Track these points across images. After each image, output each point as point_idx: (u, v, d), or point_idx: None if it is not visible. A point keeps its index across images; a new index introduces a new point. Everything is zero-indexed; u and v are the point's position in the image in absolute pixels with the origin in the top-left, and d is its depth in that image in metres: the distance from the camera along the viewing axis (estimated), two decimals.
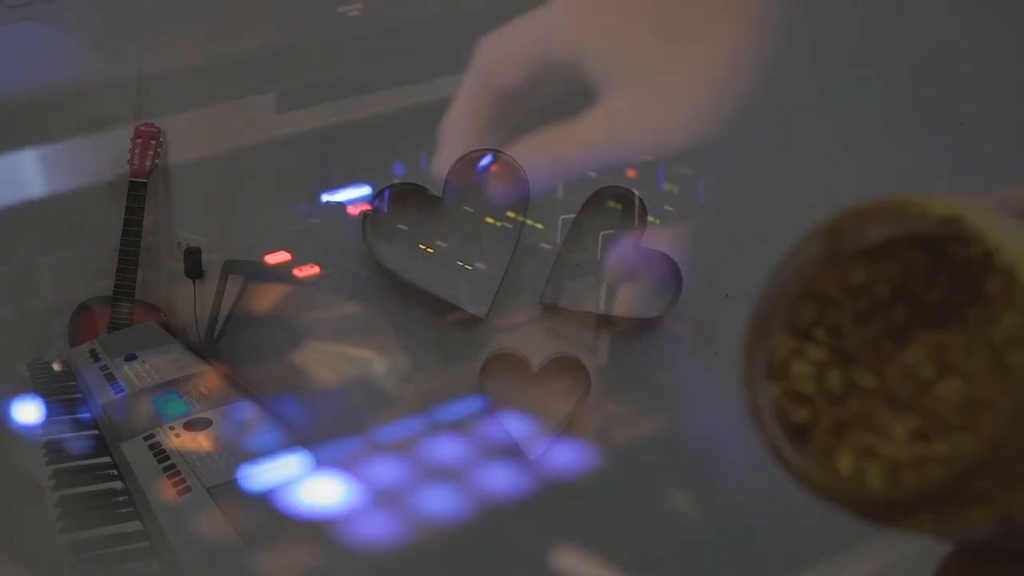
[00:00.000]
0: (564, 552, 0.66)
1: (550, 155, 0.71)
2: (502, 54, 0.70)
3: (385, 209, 0.80)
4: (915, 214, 0.15)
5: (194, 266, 1.18)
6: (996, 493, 0.14)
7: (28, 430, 0.84)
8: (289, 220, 1.00)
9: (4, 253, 1.29)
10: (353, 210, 0.81)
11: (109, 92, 1.26)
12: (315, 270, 0.89)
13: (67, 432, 0.84)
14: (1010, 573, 0.17)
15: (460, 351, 0.78)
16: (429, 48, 0.82)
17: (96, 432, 0.83)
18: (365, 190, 0.81)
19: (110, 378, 0.96)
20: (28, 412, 0.89)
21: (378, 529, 0.64)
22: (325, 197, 0.84)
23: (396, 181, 0.80)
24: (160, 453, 0.74)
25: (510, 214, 0.76)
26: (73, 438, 0.82)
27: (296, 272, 0.95)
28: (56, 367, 1.02)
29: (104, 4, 1.27)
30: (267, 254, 1.03)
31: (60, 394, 0.94)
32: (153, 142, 1.20)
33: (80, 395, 0.94)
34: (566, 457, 0.69)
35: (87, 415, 0.88)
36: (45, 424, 0.85)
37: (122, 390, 0.92)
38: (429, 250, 0.79)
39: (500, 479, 0.70)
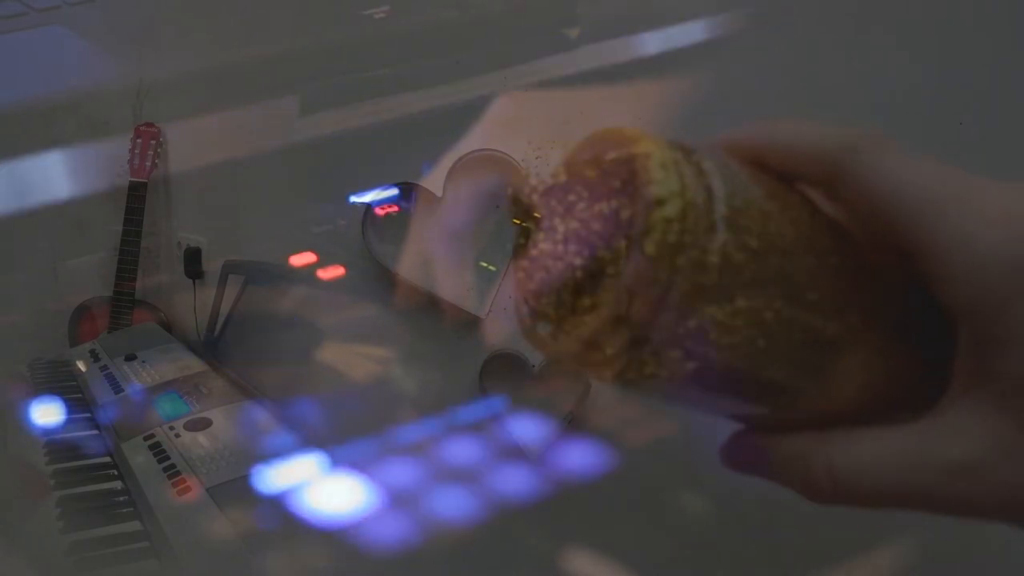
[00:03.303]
0: (564, 553, 0.66)
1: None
2: None
3: (410, 209, 0.80)
4: (619, 142, 0.19)
5: (194, 266, 1.18)
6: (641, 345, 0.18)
7: (28, 430, 0.84)
8: (289, 220, 1.00)
9: (5, 254, 1.29)
10: (380, 211, 0.81)
11: (111, 94, 1.26)
12: (340, 271, 0.89)
13: (67, 432, 0.84)
14: (768, 438, 0.21)
15: (460, 351, 0.78)
16: (429, 53, 0.82)
17: (96, 432, 0.84)
18: (392, 191, 0.81)
19: (110, 378, 0.96)
20: (29, 412, 0.89)
21: (377, 530, 0.64)
22: (353, 198, 0.84)
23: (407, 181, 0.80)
24: (160, 453, 0.74)
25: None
26: (73, 438, 0.82)
27: (297, 270, 0.95)
28: (82, 367, 1.02)
29: (111, 9, 1.27)
30: (266, 254, 1.03)
31: (60, 394, 0.94)
32: (153, 142, 1.20)
33: (80, 395, 0.94)
34: (566, 457, 0.69)
35: (87, 415, 0.88)
36: (45, 425, 0.85)
37: (122, 390, 0.92)
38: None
39: (499, 480, 0.70)
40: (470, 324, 0.77)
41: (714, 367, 0.18)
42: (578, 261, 0.19)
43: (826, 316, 0.20)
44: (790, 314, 0.19)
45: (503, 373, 0.74)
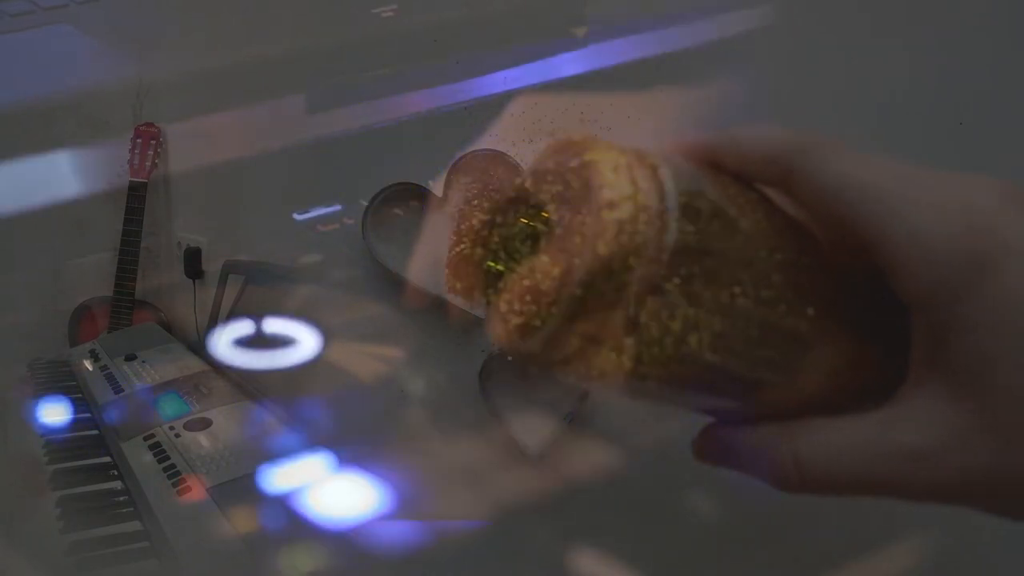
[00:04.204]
0: (568, 553, 0.66)
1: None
2: None
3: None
4: (577, 149, 0.20)
5: (194, 266, 1.18)
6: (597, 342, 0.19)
7: (28, 430, 0.84)
8: (290, 220, 1.00)
9: (5, 254, 1.29)
10: (387, 211, 0.81)
11: (111, 94, 1.26)
12: (344, 271, 0.89)
13: (67, 432, 0.84)
14: (736, 431, 0.22)
15: (460, 351, 0.78)
16: (435, 53, 0.82)
17: (96, 432, 0.84)
18: (403, 191, 0.81)
19: (110, 378, 0.96)
20: (29, 412, 0.89)
21: (377, 531, 0.64)
22: (361, 199, 0.84)
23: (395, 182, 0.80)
24: (160, 453, 0.74)
25: None
26: (73, 438, 0.82)
27: (296, 270, 0.95)
28: (88, 366, 1.02)
29: (115, 8, 1.27)
30: (267, 254, 1.03)
31: (60, 394, 0.94)
32: (153, 142, 1.20)
33: (80, 395, 0.94)
34: (567, 456, 0.69)
35: (87, 415, 0.88)
36: (45, 424, 0.86)
37: (122, 390, 0.92)
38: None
39: (503, 480, 0.70)
40: (474, 324, 0.77)
41: (671, 364, 0.19)
42: (538, 265, 0.20)
43: (783, 311, 0.20)
44: (746, 310, 0.20)
45: (503, 373, 0.74)
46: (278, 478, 0.69)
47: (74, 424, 0.86)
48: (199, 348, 1.05)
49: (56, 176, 1.27)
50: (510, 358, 0.21)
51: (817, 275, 0.21)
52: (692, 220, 0.19)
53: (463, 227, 0.23)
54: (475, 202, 0.22)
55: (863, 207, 0.19)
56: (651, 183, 0.19)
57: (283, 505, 0.65)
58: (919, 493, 0.19)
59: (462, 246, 0.22)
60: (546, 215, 0.20)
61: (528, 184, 0.21)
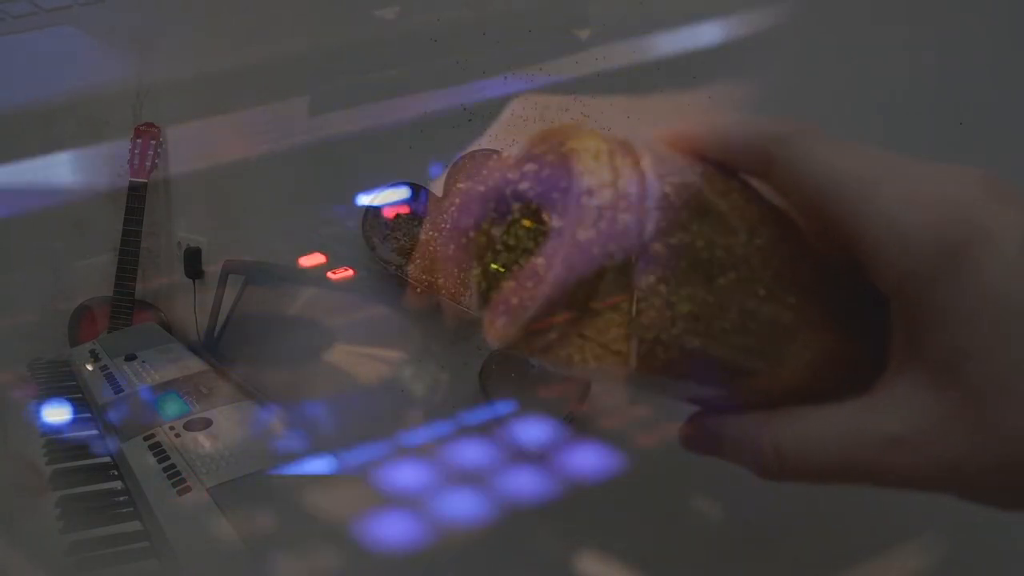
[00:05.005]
0: (570, 555, 0.66)
1: None
2: None
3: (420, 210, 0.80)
4: (562, 138, 0.20)
5: (194, 266, 1.18)
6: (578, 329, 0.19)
7: (28, 430, 0.84)
8: (290, 221, 1.00)
9: (5, 254, 1.29)
10: (389, 212, 0.81)
11: (111, 94, 1.26)
12: (346, 272, 0.89)
13: (67, 432, 0.84)
14: (720, 419, 0.22)
15: (460, 351, 0.78)
16: (437, 54, 0.82)
17: (96, 432, 0.83)
18: (398, 192, 0.81)
19: (110, 378, 0.96)
20: (29, 412, 0.89)
21: (379, 531, 0.64)
22: (362, 199, 0.84)
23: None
24: (160, 453, 0.74)
25: None
26: (73, 438, 0.82)
27: (296, 270, 0.95)
28: (88, 366, 1.02)
29: (118, 9, 1.27)
30: (267, 254, 1.03)
31: (60, 394, 0.94)
32: (153, 142, 1.20)
33: (80, 395, 0.94)
34: (567, 457, 0.69)
35: (87, 415, 0.88)
36: (45, 424, 0.85)
37: (122, 390, 0.92)
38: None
39: (505, 481, 0.70)
40: (473, 324, 0.77)
41: (654, 349, 0.19)
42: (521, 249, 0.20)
43: (764, 298, 0.20)
44: (727, 297, 0.20)
45: (503, 373, 0.74)
46: (278, 479, 0.69)
47: (74, 424, 0.86)
48: (199, 348, 1.05)
49: (56, 176, 1.27)
50: (494, 347, 0.21)
51: (799, 264, 0.21)
52: (673, 207, 0.19)
53: (453, 226, 0.23)
54: (468, 197, 0.23)
55: (842, 196, 0.19)
56: (632, 170, 0.19)
57: (284, 505, 0.65)
58: (900, 481, 0.19)
59: (450, 244, 0.23)
60: (530, 205, 0.20)
61: (512, 174, 0.21)
